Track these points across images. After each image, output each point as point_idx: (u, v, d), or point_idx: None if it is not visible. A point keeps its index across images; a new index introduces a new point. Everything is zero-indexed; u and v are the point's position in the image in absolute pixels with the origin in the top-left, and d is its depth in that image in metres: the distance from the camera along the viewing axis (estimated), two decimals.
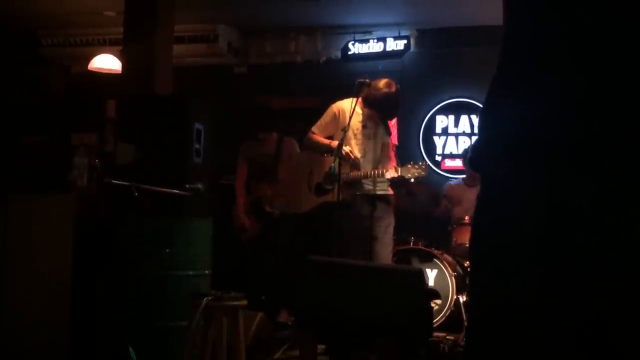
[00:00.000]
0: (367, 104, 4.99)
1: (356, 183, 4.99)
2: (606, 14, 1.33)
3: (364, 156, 5.03)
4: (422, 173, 4.79)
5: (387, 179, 4.98)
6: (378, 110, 4.99)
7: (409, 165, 4.84)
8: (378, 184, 5.02)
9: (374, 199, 5.03)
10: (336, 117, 5.11)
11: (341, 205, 4.79)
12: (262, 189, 6.23)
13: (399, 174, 4.79)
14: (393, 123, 5.14)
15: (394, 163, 5.03)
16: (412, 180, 4.84)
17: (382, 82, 4.99)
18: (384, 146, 5.08)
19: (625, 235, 1.27)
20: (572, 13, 1.36)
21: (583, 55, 1.35)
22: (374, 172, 4.92)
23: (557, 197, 1.33)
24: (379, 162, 5.05)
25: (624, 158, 1.29)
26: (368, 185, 5.02)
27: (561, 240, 1.32)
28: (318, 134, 5.22)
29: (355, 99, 4.93)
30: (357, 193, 5.00)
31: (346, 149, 4.88)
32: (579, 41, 1.35)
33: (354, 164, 4.96)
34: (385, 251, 5.03)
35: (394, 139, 5.13)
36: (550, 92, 1.37)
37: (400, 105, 5.10)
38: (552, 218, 1.33)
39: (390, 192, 5.13)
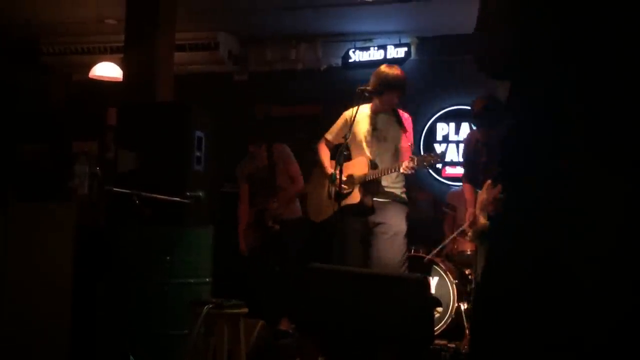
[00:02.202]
0: (380, 89, 4.91)
1: (377, 186, 4.91)
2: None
3: (375, 158, 4.95)
4: (438, 159, 4.71)
5: (403, 181, 4.93)
6: (394, 88, 4.92)
7: (424, 155, 4.78)
8: (392, 189, 4.95)
9: (385, 204, 4.96)
10: (347, 123, 5.08)
11: (342, 211, 4.77)
12: (267, 202, 6.15)
13: (416, 164, 4.65)
14: (408, 121, 5.05)
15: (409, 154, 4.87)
16: (428, 168, 4.80)
17: (382, 67, 5.05)
18: (397, 150, 4.97)
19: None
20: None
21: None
22: (391, 169, 4.80)
23: None
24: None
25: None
26: (388, 189, 4.94)
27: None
28: (331, 140, 5.22)
29: (358, 106, 4.92)
30: (380, 200, 4.93)
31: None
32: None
33: (373, 165, 4.90)
34: (394, 258, 4.91)
35: (410, 137, 5.01)
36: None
37: (405, 82, 5.04)
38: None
39: (404, 197, 5.02)
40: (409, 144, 4.91)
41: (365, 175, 4.88)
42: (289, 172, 6.20)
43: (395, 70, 4.98)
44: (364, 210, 4.90)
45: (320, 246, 5.48)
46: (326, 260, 4.61)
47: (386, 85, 4.91)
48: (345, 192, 4.86)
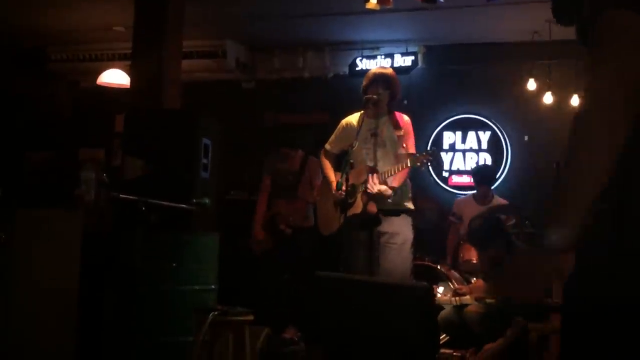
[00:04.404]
0: (368, 87, 4.92)
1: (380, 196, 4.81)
2: None
3: (376, 164, 4.89)
4: (430, 158, 4.64)
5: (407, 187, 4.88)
6: (385, 87, 4.90)
7: (417, 155, 4.70)
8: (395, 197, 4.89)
9: (390, 213, 4.90)
10: (345, 130, 5.06)
11: (347, 221, 4.74)
12: (280, 206, 6.20)
13: (410, 164, 4.60)
14: (407, 124, 4.98)
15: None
16: (423, 168, 4.72)
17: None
18: (397, 155, 4.85)
19: None
20: None
21: None
22: (390, 171, 4.75)
23: None
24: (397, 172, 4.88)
25: None
26: (392, 199, 4.83)
27: None
28: (331, 149, 5.17)
29: (361, 112, 4.90)
30: (384, 208, 4.84)
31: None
32: None
33: (372, 171, 4.82)
34: (402, 267, 4.86)
35: (412, 147, 4.94)
36: None
37: (397, 82, 5.02)
38: None
39: (409, 206, 4.95)
40: (409, 152, 4.83)
41: (365, 182, 4.79)
42: (314, 185, 6.21)
43: (379, 70, 5.15)
44: (368, 219, 4.83)
45: (328, 256, 5.46)
46: (333, 269, 4.59)
47: (370, 83, 4.91)
48: (349, 201, 4.80)
